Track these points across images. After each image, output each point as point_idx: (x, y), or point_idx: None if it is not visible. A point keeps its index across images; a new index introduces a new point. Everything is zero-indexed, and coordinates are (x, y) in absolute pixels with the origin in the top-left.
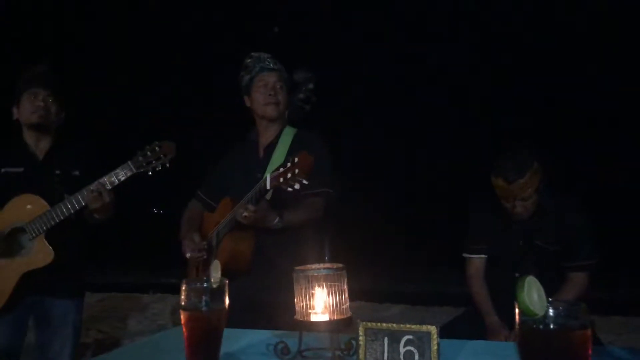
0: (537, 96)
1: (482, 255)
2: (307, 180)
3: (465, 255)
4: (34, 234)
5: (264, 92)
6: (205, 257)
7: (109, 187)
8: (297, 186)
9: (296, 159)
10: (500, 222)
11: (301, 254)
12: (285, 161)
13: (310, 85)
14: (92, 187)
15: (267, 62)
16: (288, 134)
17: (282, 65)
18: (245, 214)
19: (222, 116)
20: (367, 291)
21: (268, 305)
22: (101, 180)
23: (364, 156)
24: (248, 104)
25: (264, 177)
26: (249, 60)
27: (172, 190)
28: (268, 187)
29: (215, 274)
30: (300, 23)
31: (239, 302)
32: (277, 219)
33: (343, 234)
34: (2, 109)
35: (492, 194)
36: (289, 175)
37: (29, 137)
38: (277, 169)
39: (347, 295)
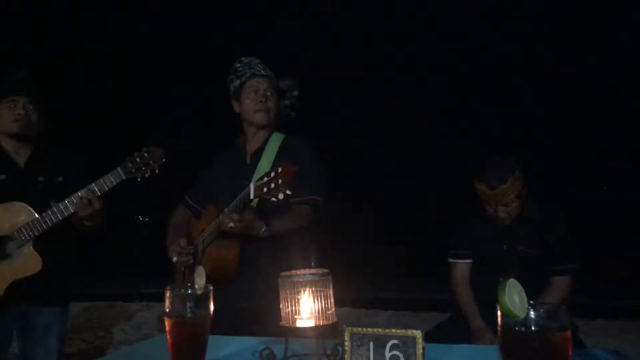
0: (533, 103)
1: (467, 260)
2: (290, 190)
3: (450, 260)
4: (21, 242)
5: (255, 98)
6: (191, 261)
7: (98, 193)
8: (280, 196)
9: (279, 169)
10: (484, 227)
11: (287, 260)
12: (270, 170)
13: (295, 92)
14: (82, 193)
15: (258, 68)
16: (275, 140)
17: (272, 71)
18: (230, 224)
19: (209, 121)
20: (354, 298)
21: (254, 311)
22: (90, 186)
23: (352, 162)
24: (237, 109)
25: (248, 186)
26: (239, 64)
27: (157, 197)
28: (252, 196)
29: (200, 280)
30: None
31: (225, 309)
32: (264, 228)
33: (331, 241)
34: None
35: (476, 199)
36: (272, 185)
37: (8, 145)
38: (261, 178)
39: (332, 300)
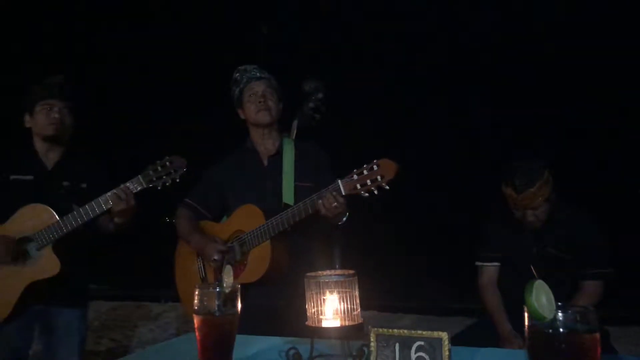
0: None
1: (495, 264)
2: (388, 186)
3: (478, 263)
4: (41, 244)
5: (254, 100)
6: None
7: (134, 190)
8: (376, 192)
9: (374, 167)
10: (512, 230)
11: (314, 261)
12: (362, 168)
13: (320, 95)
14: (116, 190)
15: (253, 72)
16: (289, 144)
17: (271, 74)
18: (335, 204)
19: (218, 126)
20: (380, 302)
21: (281, 311)
22: (120, 186)
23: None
24: (242, 116)
25: (335, 182)
26: (237, 74)
27: (179, 200)
28: (343, 192)
29: (228, 279)
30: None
31: (252, 309)
32: (345, 217)
33: (357, 245)
34: (10, 115)
35: (504, 201)
36: (368, 181)
37: (40, 146)
38: (350, 175)
39: (358, 301)
